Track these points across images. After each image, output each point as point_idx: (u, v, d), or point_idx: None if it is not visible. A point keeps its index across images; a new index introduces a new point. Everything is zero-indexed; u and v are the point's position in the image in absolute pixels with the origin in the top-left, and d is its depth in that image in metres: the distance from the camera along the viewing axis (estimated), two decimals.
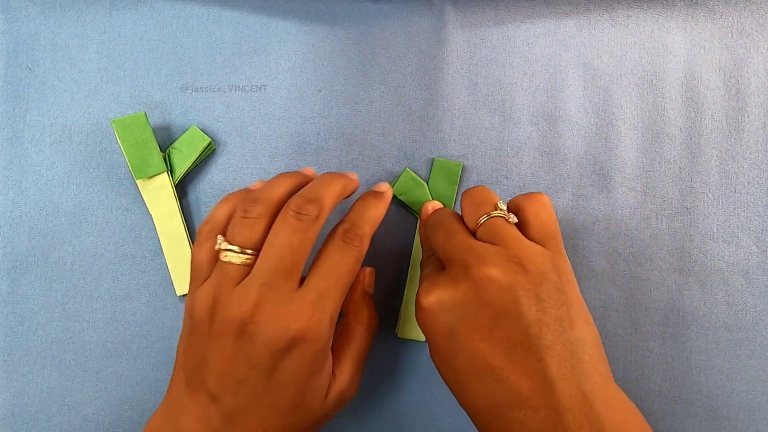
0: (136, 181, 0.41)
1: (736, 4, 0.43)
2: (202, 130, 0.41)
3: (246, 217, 0.31)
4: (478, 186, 0.35)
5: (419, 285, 0.33)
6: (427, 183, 0.41)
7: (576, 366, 0.29)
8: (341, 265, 0.31)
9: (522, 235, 0.32)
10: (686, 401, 0.41)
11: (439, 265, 0.34)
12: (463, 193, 0.35)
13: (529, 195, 0.34)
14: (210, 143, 0.41)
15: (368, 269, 0.37)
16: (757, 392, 0.41)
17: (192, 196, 0.42)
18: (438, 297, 0.31)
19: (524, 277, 0.29)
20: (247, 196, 0.33)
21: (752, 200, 0.42)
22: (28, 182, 0.41)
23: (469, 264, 0.30)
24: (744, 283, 0.42)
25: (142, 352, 0.41)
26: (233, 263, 0.30)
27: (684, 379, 0.41)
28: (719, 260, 0.42)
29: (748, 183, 0.42)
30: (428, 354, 0.41)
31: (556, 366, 0.28)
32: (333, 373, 0.33)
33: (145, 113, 0.40)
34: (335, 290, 0.31)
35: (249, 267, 0.31)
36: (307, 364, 0.30)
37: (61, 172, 0.42)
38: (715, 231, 0.42)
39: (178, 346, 0.33)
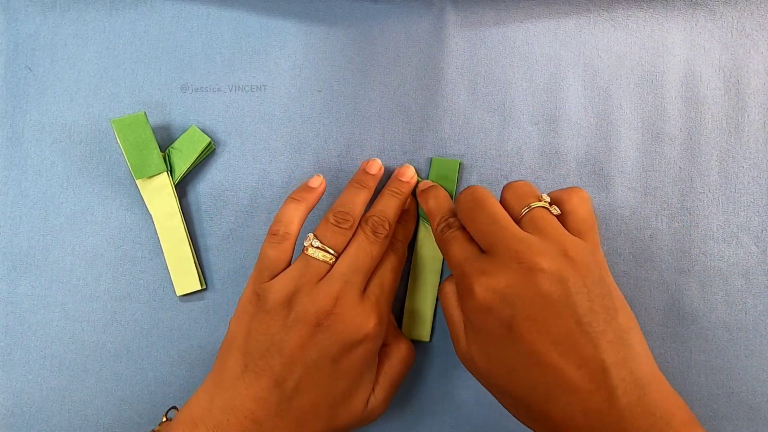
0: (136, 181, 0.41)
1: (736, 4, 0.43)
2: (202, 130, 0.41)
3: (338, 225, 0.36)
4: (518, 180, 0.36)
5: (456, 264, 0.34)
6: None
7: (627, 353, 0.30)
8: (390, 270, 0.37)
9: (564, 228, 0.33)
10: (686, 401, 0.41)
11: (472, 246, 0.34)
12: (505, 186, 0.35)
13: (569, 189, 0.35)
14: (210, 143, 0.41)
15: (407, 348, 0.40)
16: (757, 392, 0.41)
17: (192, 196, 0.42)
18: (493, 286, 0.31)
19: (572, 268, 0.31)
20: (306, 194, 0.38)
21: (752, 200, 0.42)
22: (28, 182, 0.41)
23: (521, 254, 0.31)
24: (744, 283, 0.42)
25: (142, 352, 0.41)
26: (319, 260, 0.35)
27: (684, 379, 0.41)
28: (719, 260, 0.42)
29: (748, 183, 0.42)
30: (428, 354, 0.41)
31: (610, 352, 0.29)
32: (373, 387, 0.37)
33: (145, 113, 0.40)
34: (389, 293, 0.37)
35: (329, 266, 0.35)
36: (366, 359, 0.35)
37: (61, 172, 0.42)
38: (715, 231, 0.42)
39: (234, 332, 0.35)
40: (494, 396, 0.34)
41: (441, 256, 0.41)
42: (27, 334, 0.41)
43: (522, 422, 0.33)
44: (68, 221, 0.41)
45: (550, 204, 0.34)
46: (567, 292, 0.30)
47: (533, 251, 0.31)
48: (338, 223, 0.36)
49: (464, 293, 0.32)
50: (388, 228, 0.37)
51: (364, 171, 0.40)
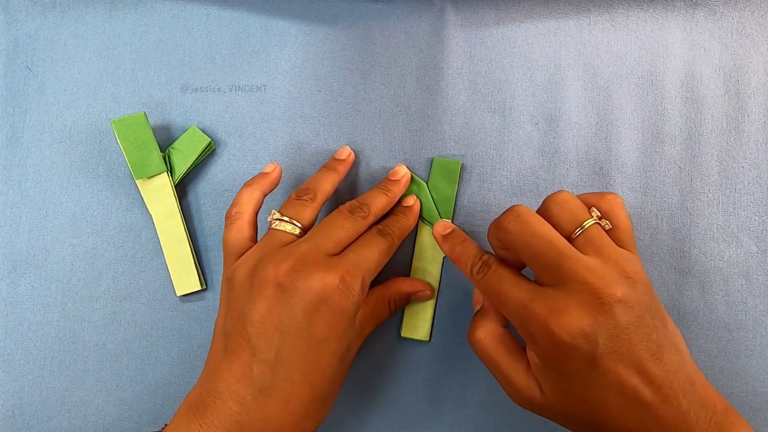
0: (136, 181, 0.41)
1: (736, 4, 0.43)
2: (202, 130, 0.41)
3: (299, 198, 0.36)
4: (562, 192, 0.34)
5: (517, 306, 0.32)
6: (427, 183, 0.41)
7: (681, 358, 0.31)
8: (374, 249, 0.36)
9: (614, 244, 0.33)
10: None
11: (526, 282, 0.33)
12: (548, 200, 0.34)
13: (604, 196, 0.34)
14: (210, 143, 0.41)
15: (429, 292, 0.40)
16: (757, 392, 0.41)
17: (192, 196, 0.42)
18: (575, 325, 0.30)
19: (635, 290, 0.31)
20: (260, 179, 0.38)
21: (752, 200, 0.42)
22: (28, 182, 0.41)
23: (595, 286, 0.30)
24: (744, 283, 0.42)
25: (142, 352, 0.41)
26: (285, 231, 0.35)
27: None
28: (719, 260, 0.42)
29: (748, 183, 0.42)
30: (429, 353, 0.41)
31: (671, 362, 0.31)
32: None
33: (145, 113, 0.40)
34: (366, 265, 0.35)
35: (295, 238, 0.35)
36: (339, 322, 0.33)
37: (61, 172, 0.42)
38: (715, 231, 0.42)
39: (216, 321, 0.35)
40: (565, 426, 0.33)
41: (440, 257, 0.41)
42: (27, 334, 0.41)
43: None
44: (68, 221, 0.41)
45: (600, 218, 0.34)
46: (638, 318, 0.30)
47: (605, 281, 0.30)
48: (299, 196, 0.37)
49: (539, 335, 0.31)
50: (366, 210, 0.37)
51: (334, 158, 0.40)
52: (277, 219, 0.36)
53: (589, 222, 0.33)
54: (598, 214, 0.34)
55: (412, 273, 0.41)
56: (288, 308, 0.32)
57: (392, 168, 0.41)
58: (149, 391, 0.41)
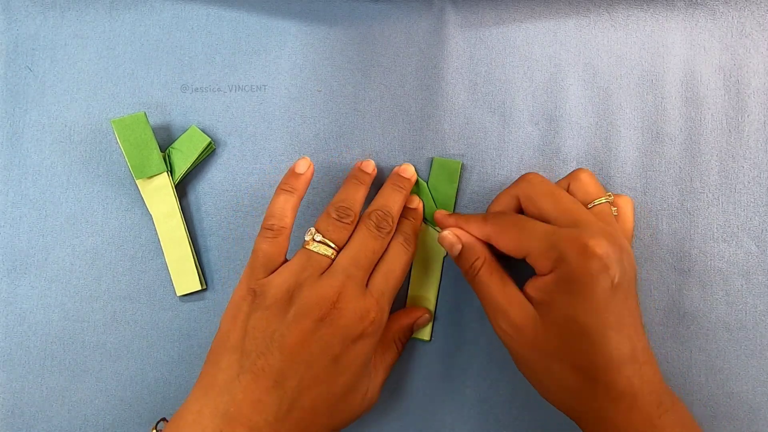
0: (136, 181, 0.41)
1: (736, 4, 0.43)
2: (202, 130, 0.41)
3: (341, 221, 0.37)
4: (584, 169, 0.38)
5: (545, 233, 0.34)
6: (427, 183, 0.41)
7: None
8: (399, 263, 0.37)
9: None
10: (686, 401, 0.41)
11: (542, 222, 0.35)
12: (574, 173, 0.37)
13: (620, 196, 0.38)
14: (210, 143, 0.41)
15: (427, 315, 0.41)
16: (757, 392, 0.41)
17: (192, 196, 0.42)
18: (606, 247, 0.32)
19: (632, 261, 0.34)
20: (295, 182, 0.38)
21: (752, 200, 0.42)
22: (28, 182, 0.41)
23: (611, 233, 0.33)
24: (744, 283, 0.42)
25: (142, 352, 0.41)
26: (321, 254, 0.35)
27: (684, 379, 0.41)
28: (719, 260, 0.42)
29: (748, 183, 0.42)
30: (429, 353, 0.41)
31: (643, 334, 0.34)
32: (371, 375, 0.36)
33: (145, 113, 0.40)
34: (394, 283, 0.36)
35: (330, 261, 0.35)
36: (366, 354, 0.34)
37: (61, 172, 0.42)
38: (715, 231, 0.42)
39: (226, 332, 0.34)
40: (538, 377, 0.34)
41: (442, 256, 0.41)
42: (27, 334, 0.41)
43: (572, 402, 0.34)
44: (68, 221, 0.41)
45: (612, 204, 0.37)
46: (634, 279, 0.34)
47: (619, 235, 0.34)
48: (340, 218, 0.36)
49: (572, 253, 0.32)
50: (391, 223, 0.37)
51: (360, 169, 0.40)
52: (318, 241, 0.36)
53: (602, 200, 0.36)
54: (611, 197, 0.37)
55: (412, 271, 0.41)
56: (323, 343, 0.33)
57: (395, 167, 0.41)
58: (149, 391, 0.41)
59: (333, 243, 0.36)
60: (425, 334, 0.41)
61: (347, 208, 0.37)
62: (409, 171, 0.40)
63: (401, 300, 0.42)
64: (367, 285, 0.35)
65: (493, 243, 0.36)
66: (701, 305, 0.42)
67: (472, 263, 0.36)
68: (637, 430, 0.32)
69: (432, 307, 0.41)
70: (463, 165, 0.42)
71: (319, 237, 0.36)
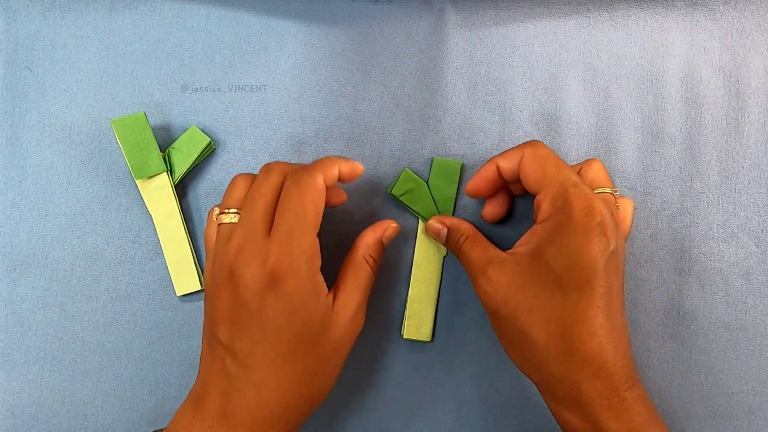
0: (136, 181, 0.41)
1: (736, 4, 0.43)
2: (202, 130, 0.41)
3: (233, 187, 0.36)
4: (596, 160, 0.38)
5: (568, 180, 0.34)
6: (428, 182, 0.41)
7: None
8: (300, 204, 0.34)
9: None
10: (686, 401, 0.41)
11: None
12: (587, 161, 0.38)
13: (623, 197, 0.38)
14: (210, 143, 0.41)
15: (394, 225, 0.39)
16: (757, 392, 0.41)
17: (192, 196, 0.42)
18: (608, 217, 0.34)
19: (624, 249, 0.36)
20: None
21: (752, 200, 0.42)
22: (28, 182, 0.41)
23: (613, 215, 0.35)
24: (744, 283, 0.42)
25: (142, 352, 0.41)
26: (224, 222, 0.35)
27: (684, 379, 0.41)
28: (719, 260, 0.42)
29: (748, 183, 0.42)
30: (429, 353, 0.41)
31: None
32: (335, 304, 0.35)
33: (145, 113, 0.40)
34: (301, 226, 0.33)
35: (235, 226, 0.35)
36: (293, 298, 0.33)
37: (61, 172, 0.42)
38: (715, 231, 0.42)
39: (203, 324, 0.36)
40: (528, 320, 0.34)
41: (441, 256, 0.41)
42: (27, 334, 0.41)
43: (538, 361, 0.34)
44: (68, 221, 0.41)
45: (616, 200, 0.37)
46: (624, 263, 0.36)
47: (617, 222, 0.35)
48: (233, 184, 0.37)
49: (579, 206, 0.33)
50: (276, 166, 0.36)
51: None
52: (219, 214, 0.36)
53: (608, 190, 0.37)
54: (617, 193, 0.37)
55: (412, 273, 0.41)
56: (242, 303, 0.33)
57: (395, 167, 0.42)
58: (149, 391, 0.41)
59: (231, 208, 0.35)
60: (427, 334, 0.41)
61: (237, 175, 0.37)
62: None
63: (395, 301, 0.42)
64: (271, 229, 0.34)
65: (521, 167, 0.36)
66: (701, 305, 0.42)
67: (457, 240, 0.38)
68: (600, 399, 0.32)
69: (433, 307, 0.41)
70: (463, 165, 0.42)
71: (217, 210, 0.36)
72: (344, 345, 0.35)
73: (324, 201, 0.35)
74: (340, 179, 0.36)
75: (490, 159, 0.38)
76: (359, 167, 0.37)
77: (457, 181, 0.41)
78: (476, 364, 0.41)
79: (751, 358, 0.41)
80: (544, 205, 0.35)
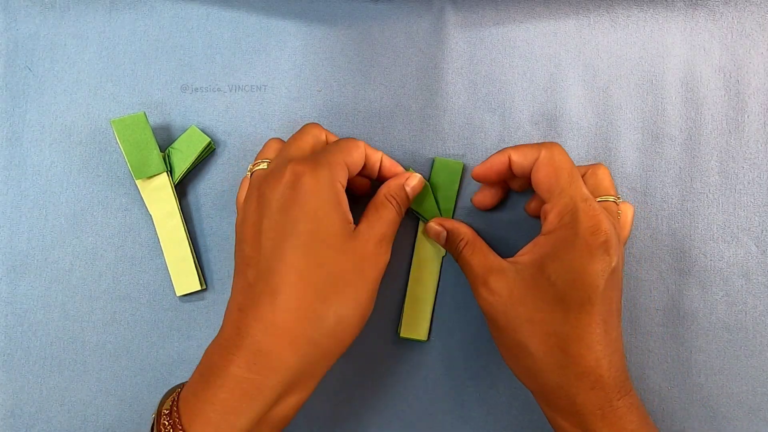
0: (136, 181, 0.41)
1: (736, 4, 0.43)
2: (202, 130, 0.41)
3: (267, 145, 0.38)
4: (601, 165, 0.38)
5: (582, 197, 0.34)
6: (428, 182, 0.41)
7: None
8: (336, 146, 0.36)
9: None
10: (686, 401, 0.41)
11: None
12: (593, 165, 0.38)
13: (624, 202, 0.38)
14: (210, 143, 0.41)
15: (419, 176, 0.39)
16: (757, 392, 0.41)
17: (192, 196, 0.42)
18: (614, 237, 0.34)
19: (623, 260, 0.36)
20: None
21: (752, 200, 0.42)
22: (28, 182, 0.41)
23: (616, 230, 0.35)
24: (744, 283, 0.42)
25: (142, 352, 0.41)
26: (256, 170, 0.36)
27: (684, 379, 0.41)
28: (719, 260, 0.42)
29: (748, 183, 0.42)
30: (429, 353, 0.41)
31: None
32: (357, 229, 0.35)
33: (145, 113, 0.40)
34: (331, 154, 0.35)
35: None
36: (310, 196, 0.33)
37: (61, 172, 0.42)
38: (715, 231, 0.42)
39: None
40: (528, 332, 0.34)
41: (440, 257, 0.41)
42: (27, 334, 0.41)
43: (536, 371, 0.34)
44: (68, 221, 0.41)
45: (618, 208, 0.37)
46: (622, 276, 0.36)
47: (619, 234, 0.35)
48: (265, 146, 0.38)
49: (586, 222, 0.34)
50: (313, 129, 0.37)
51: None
52: (250, 169, 0.37)
53: (611, 198, 0.37)
54: (619, 200, 0.37)
55: (411, 273, 0.41)
56: (263, 212, 0.33)
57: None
58: (149, 391, 0.41)
59: (267, 158, 0.37)
60: (424, 334, 0.41)
61: (271, 138, 0.39)
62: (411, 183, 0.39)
63: (391, 300, 0.41)
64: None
65: (534, 168, 0.36)
66: (701, 305, 0.42)
67: (457, 244, 0.38)
68: (594, 409, 0.33)
69: (430, 307, 0.41)
70: (464, 166, 0.42)
71: (253, 163, 0.37)
72: (368, 272, 0.34)
73: (359, 164, 0.36)
74: (380, 172, 0.38)
75: (503, 149, 0.37)
76: (402, 175, 0.38)
77: (458, 181, 0.41)
78: (476, 364, 0.41)
79: (751, 358, 0.41)
80: (551, 216, 0.35)
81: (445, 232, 0.39)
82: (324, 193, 0.33)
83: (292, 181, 0.33)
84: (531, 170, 0.36)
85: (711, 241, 0.42)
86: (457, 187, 0.41)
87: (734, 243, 0.42)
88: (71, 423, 0.41)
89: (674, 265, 0.42)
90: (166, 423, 0.31)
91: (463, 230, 0.38)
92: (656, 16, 0.43)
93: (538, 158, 0.36)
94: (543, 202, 0.36)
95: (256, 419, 0.31)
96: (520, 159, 0.36)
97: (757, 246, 0.42)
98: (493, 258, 0.37)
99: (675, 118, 0.42)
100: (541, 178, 0.35)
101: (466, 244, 0.38)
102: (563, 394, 0.33)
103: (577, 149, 0.42)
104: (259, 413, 0.31)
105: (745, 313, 0.41)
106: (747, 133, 0.42)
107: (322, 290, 0.32)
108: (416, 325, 0.41)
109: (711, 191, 0.42)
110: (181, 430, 0.30)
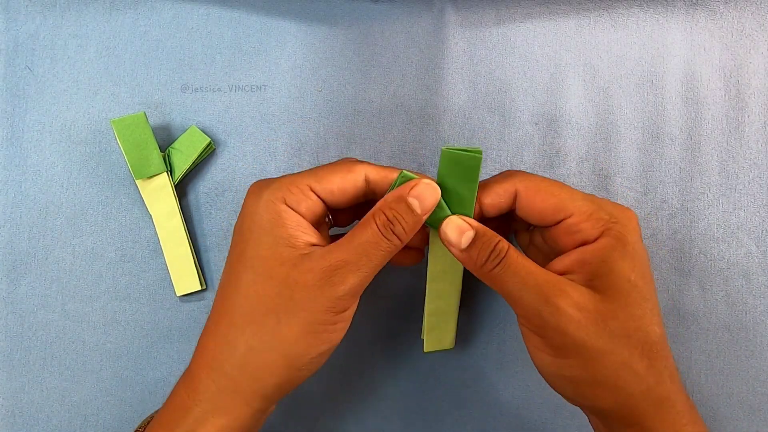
0: (136, 181, 0.41)
1: (736, 4, 0.43)
2: (202, 130, 0.41)
3: None
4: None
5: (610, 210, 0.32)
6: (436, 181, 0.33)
7: None
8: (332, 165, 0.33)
9: None
10: None
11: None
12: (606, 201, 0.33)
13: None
14: (210, 143, 0.41)
15: (426, 180, 0.32)
16: (757, 392, 0.41)
17: (192, 196, 0.42)
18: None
19: None
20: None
21: (752, 200, 0.42)
22: (28, 182, 0.41)
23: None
24: (744, 283, 0.42)
25: (142, 352, 0.41)
26: None
27: (684, 379, 0.41)
28: (719, 260, 0.42)
29: (748, 183, 0.42)
30: (428, 354, 0.41)
31: None
32: (315, 247, 0.31)
33: (145, 113, 0.40)
34: (291, 179, 0.32)
35: None
36: (249, 212, 0.31)
37: (61, 172, 0.42)
38: (715, 231, 0.42)
39: None
40: (625, 348, 0.30)
41: (461, 267, 0.36)
42: (27, 334, 0.41)
43: (629, 388, 0.30)
44: (68, 221, 0.41)
45: None
46: None
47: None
48: None
49: (622, 214, 0.31)
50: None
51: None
52: None
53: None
54: None
55: (427, 287, 0.37)
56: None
57: (394, 166, 0.41)
58: (149, 391, 0.41)
59: None
60: (448, 344, 0.38)
61: None
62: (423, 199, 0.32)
63: (419, 310, 0.41)
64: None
65: (521, 202, 0.32)
66: (701, 305, 0.42)
67: (495, 246, 0.30)
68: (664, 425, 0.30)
69: (454, 319, 0.38)
70: (481, 157, 0.33)
71: None
72: (303, 304, 0.29)
73: (343, 189, 0.31)
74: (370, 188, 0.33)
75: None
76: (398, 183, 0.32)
77: (477, 179, 0.32)
78: (476, 364, 0.41)
79: (751, 358, 0.41)
80: (586, 225, 0.31)
81: (472, 231, 0.31)
82: (258, 215, 0.30)
83: (243, 202, 0.32)
84: (514, 205, 0.33)
85: (711, 241, 0.42)
86: (476, 186, 0.33)
87: (734, 243, 0.42)
88: (71, 423, 0.41)
89: (674, 265, 0.42)
90: None
91: (495, 233, 0.32)
92: (656, 16, 0.43)
93: (516, 192, 0.32)
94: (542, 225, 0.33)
95: None
96: (494, 200, 0.33)
97: (757, 246, 0.42)
98: (551, 271, 0.31)
99: (675, 117, 0.42)
100: (538, 204, 0.32)
101: (510, 246, 0.31)
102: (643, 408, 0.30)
103: (577, 149, 0.42)
104: (187, 430, 0.30)
105: (745, 313, 0.41)
106: (747, 133, 0.42)
107: (236, 316, 0.30)
108: (442, 338, 0.38)
109: (711, 191, 0.42)
110: None
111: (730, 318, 0.41)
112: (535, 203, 0.32)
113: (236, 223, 0.32)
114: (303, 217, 0.31)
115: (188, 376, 0.32)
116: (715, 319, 0.41)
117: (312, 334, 0.30)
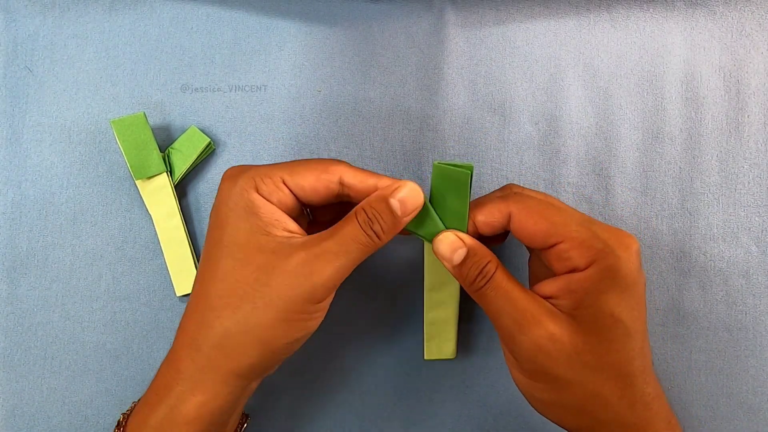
0: (136, 182, 0.41)
1: (736, 4, 0.43)
2: (202, 131, 0.41)
3: None
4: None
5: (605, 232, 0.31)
6: (430, 198, 0.34)
7: None
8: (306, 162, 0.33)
9: None
10: (686, 401, 0.41)
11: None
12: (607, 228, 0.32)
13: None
14: (209, 143, 0.41)
15: (411, 184, 0.31)
16: (757, 392, 0.41)
17: (192, 196, 0.42)
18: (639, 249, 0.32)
19: None
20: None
21: (752, 200, 0.42)
22: (28, 182, 0.41)
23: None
24: (744, 283, 0.42)
25: (142, 352, 0.41)
26: None
27: (684, 379, 0.41)
28: (719, 260, 0.42)
29: (748, 183, 0.42)
30: (424, 364, 0.41)
31: None
32: (295, 235, 0.31)
33: (145, 113, 0.40)
34: (264, 169, 0.33)
35: None
36: (224, 198, 0.32)
37: (61, 172, 0.42)
38: (715, 231, 0.42)
39: None
40: (598, 380, 0.30)
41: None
42: (27, 334, 0.41)
43: (602, 417, 0.31)
44: (68, 221, 0.41)
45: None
46: None
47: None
48: None
49: (617, 243, 0.30)
50: None
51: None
52: None
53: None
54: None
55: (425, 297, 0.38)
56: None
57: (395, 167, 0.41)
58: None
59: None
60: (449, 353, 0.39)
61: None
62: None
63: (420, 312, 0.41)
64: None
65: (514, 224, 0.32)
66: (701, 305, 0.42)
67: (483, 267, 0.31)
68: None
69: (454, 327, 0.39)
70: (472, 172, 0.32)
71: None
72: (279, 290, 0.30)
73: (315, 187, 0.32)
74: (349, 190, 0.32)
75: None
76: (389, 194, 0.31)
77: (468, 193, 0.32)
78: (476, 364, 0.41)
79: (751, 358, 0.41)
80: (576, 253, 0.30)
81: (465, 249, 0.32)
82: (233, 201, 0.31)
83: (219, 186, 0.33)
84: (509, 225, 0.32)
85: (711, 241, 0.42)
86: (467, 201, 0.32)
87: (734, 243, 0.42)
88: (71, 423, 0.41)
89: (674, 265, 0.42)
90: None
91: (488, 251, 0.32)
92: (656, 16, 0.43)
93: (511, 213, 0.32)
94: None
95: (167, 414, 0.31)
96: (487, 219, 0.32)
97: (757, 246, 0.42)
98: (532, 294, 0.31)
99: (675, 117, 0.42)
100: (530, 227, 0.31)
101: (497, 268, 0.31)
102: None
103: (577, 149, 0.42)
104: (169, 407, 0.31)
105: (745, 313, 0.41)
106: (747, 133, 0.42)
107: (213, 299, 0.31)
108: (442, 346, 0.39)
109: (711, 191, 0.42)
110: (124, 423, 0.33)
111: (730, 318, 0.41)
112: (528, 226, 0.31)
113: (213, 206, 0.33)
114: (277, 207, 0.32)
115: (171, 356, 0.33)
116: (715, 319, 0.41)
117: (287, 322, 0.30)
